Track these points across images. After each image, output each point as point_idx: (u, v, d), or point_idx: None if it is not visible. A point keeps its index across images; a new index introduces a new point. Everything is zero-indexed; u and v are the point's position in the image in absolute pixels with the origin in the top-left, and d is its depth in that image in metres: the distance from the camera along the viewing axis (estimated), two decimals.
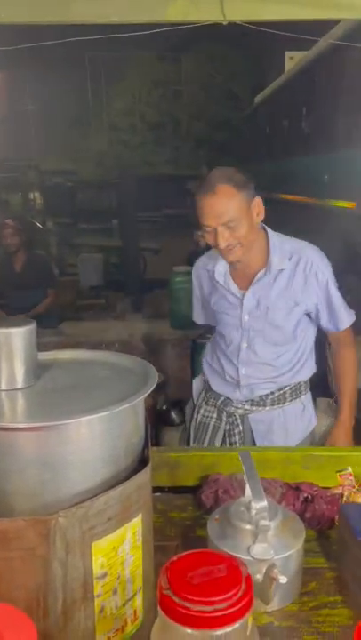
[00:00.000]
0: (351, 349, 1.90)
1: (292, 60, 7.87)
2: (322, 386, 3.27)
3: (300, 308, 1.75)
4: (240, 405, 1.85)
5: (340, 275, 5.06)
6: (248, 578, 0.69)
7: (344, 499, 1.29)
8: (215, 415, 1.88)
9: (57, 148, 16.08)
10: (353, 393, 1.90)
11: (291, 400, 1.83)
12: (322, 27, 5.56)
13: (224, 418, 1.85)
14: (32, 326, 0.93)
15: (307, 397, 1.89)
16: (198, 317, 2.04)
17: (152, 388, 0.94)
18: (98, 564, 0.80)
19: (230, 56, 15.49)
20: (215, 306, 1.86)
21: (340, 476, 1.38)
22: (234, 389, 1.86)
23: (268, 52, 9.63)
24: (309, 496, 1.28)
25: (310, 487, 1.30)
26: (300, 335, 1.80)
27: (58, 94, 13.99)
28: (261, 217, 1.69)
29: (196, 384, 2.03)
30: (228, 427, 1.84)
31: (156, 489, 1.39)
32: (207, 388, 1.95)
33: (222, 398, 1.89)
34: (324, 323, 1.82)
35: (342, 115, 5.05)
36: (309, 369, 1.87)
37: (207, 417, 1.91)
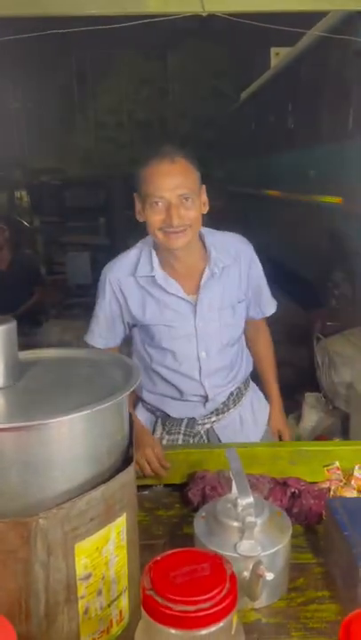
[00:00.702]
0: (268, 333, 1.87)
1: (278, 56, 7.86)
2: (309, 381, 3.29)
3: (244, 303, 1.66)
4: (206, 420, 1.69)
5: (328, 271, 5.06)
6: (232, 576, 0.68)
7: (331, 493, 1.29)
8: (180, 442, 1.64)
9: (43, 147, 15.97)
10: (275, 371, 1.89)
11: (245, 393, 1.75)
12: (307, 21, 5.57)
13: (190, 440, 1.65)
14: (12, 325, 0.92)
15: (252, 383, 1.83)
16: (100, 340, 1.66)
17: (135, 385, 0.93)
18: (81, 565, 0.78)
19: (216, 53, 15.48)
20: (153, 320, 1.58)
21: (328, 470, 1.37)
22: (198, 407, 1.67)
23: (254, 49, 9.61)
24: (297, 491, 1.27)
25: (298, 482, 1.29)
26: (242, 331, 1.73)
27: (44, 93, 13.89)
28: (207, 208, 1.53)
29: (143, 417, 1.73)
30: None
31: (142, 487, 1.39)
32: (162, 416, 1.70)
33: (186, 421, 1.67)
34: (251, 311, 1.73)
35: (328, 109, 5.06)
36: (250, 358, 1.80)
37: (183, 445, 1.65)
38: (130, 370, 0.99)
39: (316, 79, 5.40)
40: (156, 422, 1.72)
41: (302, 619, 0.97)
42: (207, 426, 1.69)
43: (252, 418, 1.76)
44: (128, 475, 0.87)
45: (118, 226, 7.20)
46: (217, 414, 1.70)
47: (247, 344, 1.81)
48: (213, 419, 1.69)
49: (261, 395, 1.85)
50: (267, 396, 1.87)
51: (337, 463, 1.37)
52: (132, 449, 0.96)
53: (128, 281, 1.57)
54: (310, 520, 1.24)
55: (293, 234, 5.40)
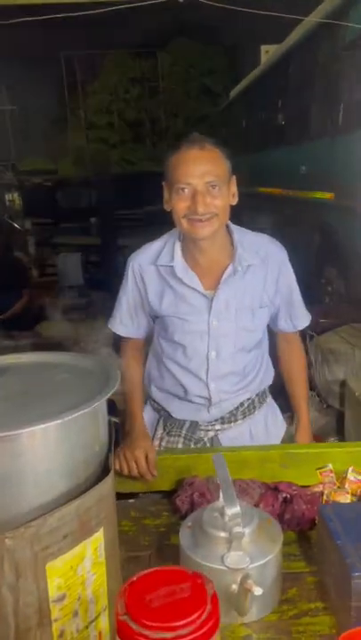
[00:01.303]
0: (302, 349, 1.75)
1: (269, 53, 7.83)
2: None
3: (267, 310, 1.57)
4: (210, 427, 1.60)
5: (320, 267, 5.01)
6: (214, 597, 0.64)
7: (325, 497, 1.24)
8: (180, 445, 1.58)
9: (35, 148, 15.89)
10: (308, 396, 1.78)
11: (259, 407, 1.64)
12: (296, 18, 5.53)
13: (191, 445, 1.58)
14: None
15: (272, 400, 1.71)
16: (121, 327, 1.61)
17: (112, 391, 0.88)
18: (54, 586, 0.73)
19: (206, 51, 15.45)
20: (168, 311, 1.53)
21: (321, 473, 1.33)
22: (202, 411, 1.59)
23: (244, 47, 9.60)
24: (288, 496, 1.22)
25: (289, 487, 1.24)
26: (264, 339, 1.63)
27: (34, 94, 13.83)
28: (236, 199, 1.47)
29: (148, 415, 1.68)
30: None
31: (129, 495, 1.34)
32: (165, 417, 1.64)
33: (188, 424, 1.60)
34: (282, 322, 1.63)
35: (318, 104, 5.02)
36: (271, 370, 1.69)
37: (171, 450, 1.59)
38: (108, 374, 0.94)
39: (305, 75, 5.36)
40: (158, 422, 1.67)
41: (295, 633, 0.92)
42: (211, 433, 1.60)
43: (265, 434, 1.65)
44: (106, 486, 0.82)
45: (110, 225, 7.14)
46: (222, 422, 1.60)
47: (277, 358, 1.71)
48: (218, 427, 1.60)
49: (279, 412, 1.73)
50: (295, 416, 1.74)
51: (330, 466, 1.32)
52: (111, 457, 0.91)
53: (149, 269, 1.54)
54: (303, 526, 1.19)
55: (286, 231, 5.36)
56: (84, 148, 15.70)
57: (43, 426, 0.76)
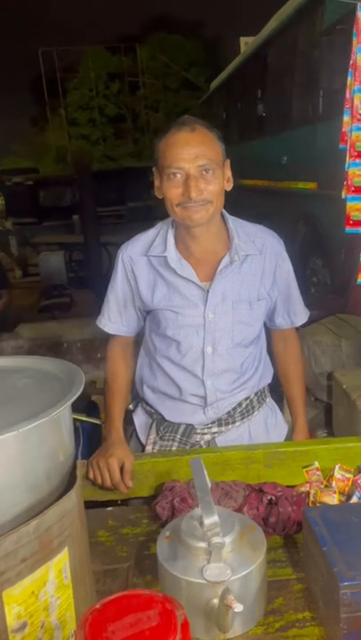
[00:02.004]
0: (299, 348, 1.67)
1: (248, 45, 7.77)
2: None
3: (265, 303, 1.48)
4: (206, 430, 1.49)
5: (304, 258, 4.97)
6: (185, 626, 0.57)
7: (311, 498, 1.18)
8: (175, 449, 1.48)
9: (15, 147, 15.74)
10: (305, 396, 1.69)
11: (258, 408, 1.54)
12: (272, 6, 5.46)
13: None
14: None
15: (271, 401, 1.61)
16: (109, 324, 1.52)
17: (75, 397, 0.81)
18: (12, 615, 0.66)
19: (186, 45, 15.39)
20: (161, 304, 1.44)
21: (307, 472, 1.27)
22: (198, 412, 1.48)
23: (224, 39, 9.55)
24: (273, 498, 1.16)
25: (274, 488, 1.18)
26: (262, 334, 1.54)
27: (13, 92, 13.70)
28: (231, 184, 1.40)
29: (140, 419, 1.58)
30: None
31: (106, 503, 1.27)
32: (158, 420, 1.53)
33: (183, 427, 1.49)
34: (279, 318, 1.56)
35: (298, 92, 4.96)
36: (270, 368, 1.60)
37: (149, 453, 1.49)
38: (73, 378, 0.87)
39: (284, 63, 5.30)
40: (151, 426, 1.55)
41: None
42: (207, 437, 1.50)
43: (266, 437, 1.55)
44: (69, 501, 0.75)
45: (91, 222, 7.04)
46: (219, 425, 1.50)
47: (273, 357, 1.62)
48: (215, 430, 1.50)
49: (279, 413, 1.64)
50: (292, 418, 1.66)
51: (316, 464, 1.27)
52: (79, 466, 0.84)
53: (140, 261, 1.46)
54: (289, 529, 1.13)
55: (269, 221, 5.31)
56: (66, 146, 15.58)
57: None
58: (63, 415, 0.82)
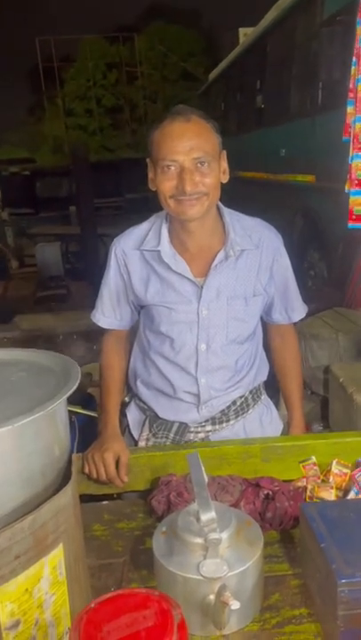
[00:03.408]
0: (297, 343, 1.64)
1: (247, 36, 7.71)
2: None
3: (261, 298, 1.45)
4: (200, 429, 1.47)
5: (302, 251, 4.95)
6: (182, 625, 0.56)
7: (308, 493, 1.18)
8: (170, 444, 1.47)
9: (12, 137, 15.63)
10: (302, 392, 1.66)
11: (253, 406, 1.51)
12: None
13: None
14: None
15: (266, 397, 1.59)
16: (103, 318, 1.50)
17: (71, 391, 0.80)
18: (6, 612, 0.65)
19: (184, 36, 15.27)
20: (154, 299, 1.41)
21: (304, 466, 1.26)
22: (191, 410, 1.46)
23: (223, 29, 9.51)
24: (270, 493, 1.16)
25: (271, 483, 1.18)
26: (258, 330, 1.51)
27: (10, 81, 13.62)
28: (227, 177, 1.36)
29: (133, 415, 1.56)
30: None
31: (101, 497, 1.26)
32: (152, 417, 1.51)
33: (176, 425, 1.47)
34: (276, 313, 1.52)
35: (297, 84, 4.92)
36: (266, 365, 1.58)
37: (146, 447, 1.49)
38: (68, 372, 0.86)
39: (283, 54, 5.26)
40: (144, 422, 1.52)
41: None
42: (201, 435, 1.48)
43: (261, 434, 1.51)
44: (65, 497, 0.74)
45: (89, 214, 7.00)
46: (213, 424, 1.47)
47: (270, 352, 1.60)
48: (208, 428, 1.47)
49: (275, 410, 1.62)
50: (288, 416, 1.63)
51: (313, 458, 1.26)
52: (75, 461, 0.83)
53: (133, 255, 1.42)
54: (286, 524, 1.13)
55: (267, 214, 5.29)
56: (63, 136, 15.48)
57: None
58: (59, 409, 0.80)
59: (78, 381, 0.82)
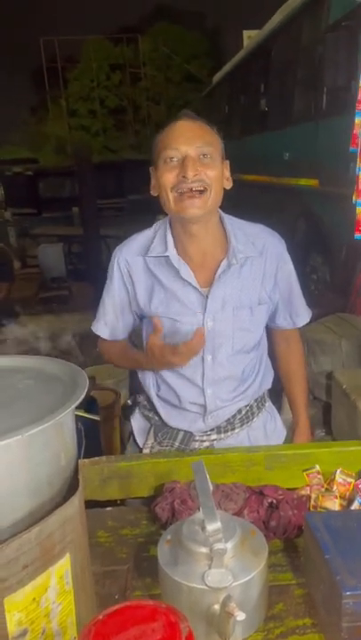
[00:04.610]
0: (302, 348, 1.64)
1: (250, 39, 7.73)
2: None
3: (266, 307, 1.43)
4: (205, 437, 1.47)
5: (304, 255, 4.97)
6: (190, 637, 0.56)
7: (312, 502, 1.18)
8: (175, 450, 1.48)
9: (15, 137, 15.67)
10: (308, 397, 1.67)
11: (258, 414, 1.51)
12: (273, 1, 5.42)
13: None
14: None
15: (270, 404, 1.58)
16: (103, 328, 1.48)
17: (80, 400, 0.80)
18: (14, 621, 0.66)
19: (188, 37, 15.30)
20: (158, 310, 1.38)
21: (308, 475, 1.26)
22: (197, 419, 1.45)
23: (227, 32, 9.55)
24: (274, 501, 1.16)
25: (275, 491, 1.18)
26: (263, 338, 1.50)
27: (13, 81, 13.67)
28: (230, 184, 1.35)
29: (138, 423, 1.56)
30: None
31: (106, 503, 1.26)
32: (157, 425, 1.51)
33: (182, 434, 1.47)
34: (280, 319, 1.51)
35: (301, 88, 4.93)
36: (270, 372, 1.56)
37: (150, 454, 1.49)
38: (76, 380, 0.86)
39: (287, 58, 5.26)
40: (149, 431, 1.52)
41: None
42: (205, 444, 1.48)
43: (265, 442, 1.52)
44: (72, 507, 0.74)
45: (91, 215, 7.01)
46: (218, 432, 1.47)
47: (275, 357, 1.59)
48: (213, 437, 1.47)
49: (278, 418, 1.61)
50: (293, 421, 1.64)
51: (317, 467, 1.26)
52: (80, 470, 0.83)
53: (137, 263, 1.39)
54: (290, 533, 1.13)
55: (270, 217, 5.30)
56: (66, 137, 15.51)
57: (2, 443, 0.68)
58: (67, 418, 0.80)
59: (86, 390, 0.82)
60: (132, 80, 15.99)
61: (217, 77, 9.23)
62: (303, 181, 4.65)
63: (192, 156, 1.25)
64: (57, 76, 15.75)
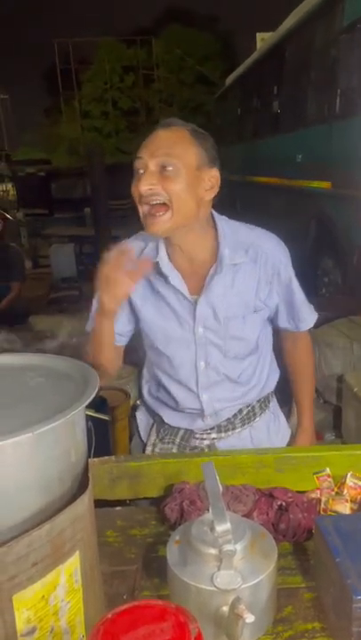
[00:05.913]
0: (310, 349, 1.61)
1: (264, 41, 7.72)
2: None
3: (262, 313, 1.40)
4: (205, 435, 1.47)
5: (316, 257, 4.95)
6: (199, 638, 0.56)
7: (322, 505, 1.17)
8: (175, 452, 1.47)
9: (28, 138, 15.76)
10: (313, 397, 1.65)
11: (260, 414, 1.49)
12: (291, 4, 5.41)
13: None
14: None
15: (275, 405, 1.57)
16: (122, 336, 1.45)
17: (91, 398, 0.80)
18: (22, 619, 0.66)
19: (201, 39, 15.33)
20: (148, 316, 1.37)
21: (318, 478, 1.26)
22: (197, 420, 1.45)
23: (240, 34, 9.56)
24: (284, 504, 1.15)
25: (285, 493, 1.17)
26: (262, 342, 1.46)
27: (27, 82, 13.80)
28: (213, 194, 1.27)
29: (142, 417, 1.58)
30: None
31: (115, 502, 1.26)
32: (159, 421, 1.51)
33: (182, 432, 1.48)
34: (283, 322, 1.48)
35: (314, 91, 4.92)
36: (275, 374, 1.54)
37: (160, 454, 1.49)
38: (87, 378, 0.86)
39: (301, 60, 5.25)
40: (152, 427, 1.53)
41: None
42: (206, 442, 1.47)
43: (268, 443, 1.50)
44: (82, 505, 0.74)
45: (103, 216, 7.03)
46: (218, 431, 1.47)
47: (282, 354, 1.57)
48: (214, 435, 1.47)
49: (283, 418, 1.60)
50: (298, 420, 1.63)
51: (328, 470, 1.25)
52: (90, 469, 0.83)
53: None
54: (299, 536, 1.12)
55: (281, 220, 5.29)
56: (79, 138, 15.59)
57: (12, 440, 0.68)
58: (78, 416, 0.81)
59: (97, 389, 0.82)
60: (144, 82, 16.05)
61: (230, 79, 9.23)
62: (316, 183, 4.63)
63: (150, 169, 1.20)
64: (70, 77, 15.83)
